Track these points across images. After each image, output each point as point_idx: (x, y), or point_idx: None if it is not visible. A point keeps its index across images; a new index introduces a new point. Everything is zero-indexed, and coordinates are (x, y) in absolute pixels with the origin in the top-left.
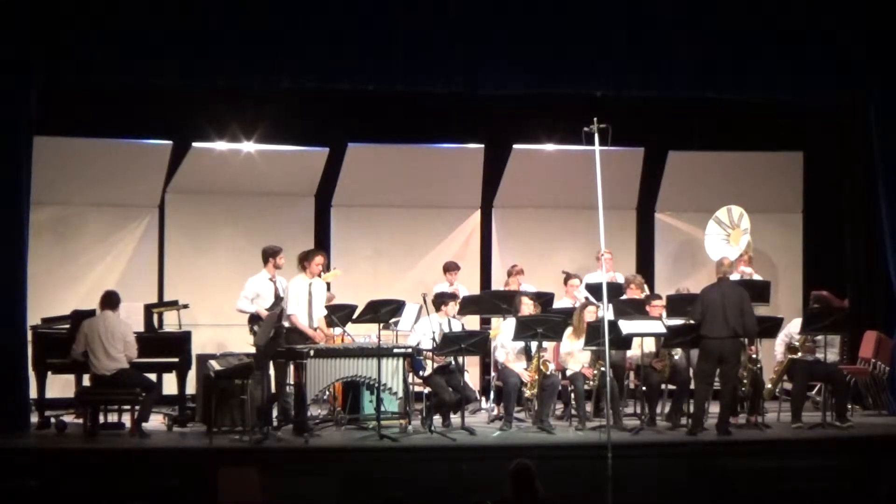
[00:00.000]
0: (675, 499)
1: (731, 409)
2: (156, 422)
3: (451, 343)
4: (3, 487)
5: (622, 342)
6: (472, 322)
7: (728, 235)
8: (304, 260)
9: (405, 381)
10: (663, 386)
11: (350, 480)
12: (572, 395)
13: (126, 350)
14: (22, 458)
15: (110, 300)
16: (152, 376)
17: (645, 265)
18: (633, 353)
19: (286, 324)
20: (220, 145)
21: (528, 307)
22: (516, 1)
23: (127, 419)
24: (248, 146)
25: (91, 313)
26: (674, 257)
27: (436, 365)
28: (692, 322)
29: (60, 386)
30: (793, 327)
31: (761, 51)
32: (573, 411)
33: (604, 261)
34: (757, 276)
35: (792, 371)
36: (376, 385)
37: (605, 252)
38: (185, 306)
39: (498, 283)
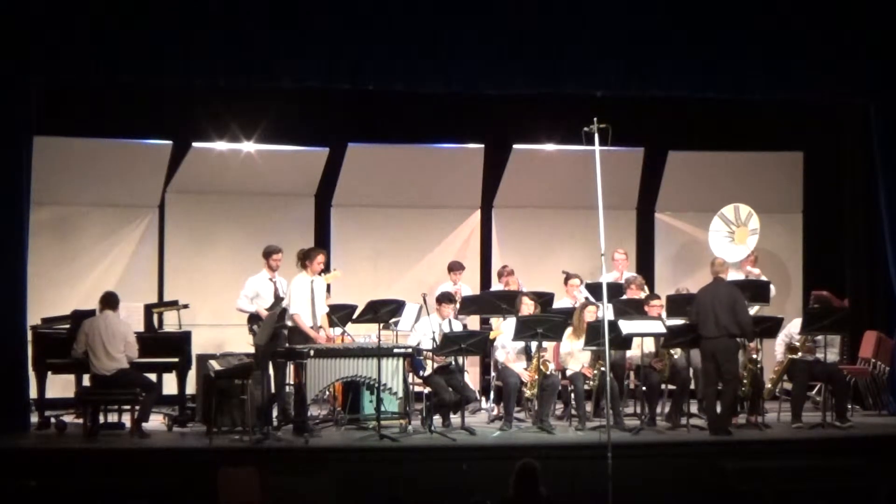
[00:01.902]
0: (675, 499)
1: (732, 410)
2: (156, 422)
3: (451, 343)
4: (3, 487)
5: (622, 342)
6: (472, 322)
7: (732, 233)
8: (304, 258)
9: (405, 381)
10: (663, 386)
11: (350, 480)
12: (572, 395)
13: (126, 350)
14: (22, 458)
15: (110, 301)
16: (152, 376)
17: (645, 265)
18: (633, 353)
19: (289, 323)
20: (220, 145)
21: (528, 307)
22: (516, 1)
23: (127, 419)
24: (248, 146)
25: (91, 313)
26: (674, 257)
27: (436, 365)
28: (690, 322)
29: (60, 386)
30: (793, 327)
31: (761, 51)
32: (573, 411)
33: (604, 261)
34: (763, 277)
35: (792, 371)
36: (376, 385)
37: (619, 252)
38: (185, 306)
39: (498, 284)
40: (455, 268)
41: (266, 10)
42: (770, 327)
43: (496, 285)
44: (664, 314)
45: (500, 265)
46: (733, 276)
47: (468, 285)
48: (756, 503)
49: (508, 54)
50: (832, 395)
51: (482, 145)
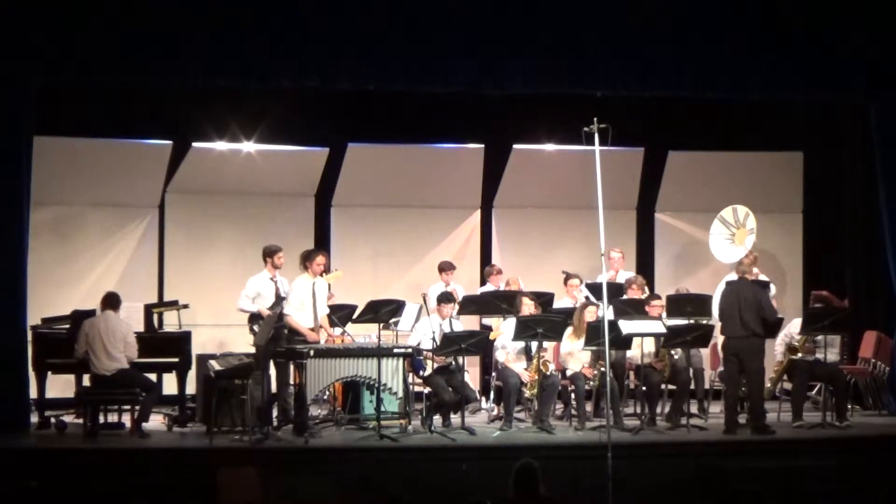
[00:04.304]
0: (675, 499)
1: (761, 410)
2: (156, 422)
3: (451, 343)
4: (3, 487)
5: (622, 342)
6: (472, 322)
7: (733, 235)
8: (305, 260)
9: (405, 381)
10: (663, 386)
11: (350, 480)
12: (572, 395)
13: (126, 350)
14: (22, 458)
15: (111, 301)
16: (152, 376)
17: (645, 265)
18: (633, 353)
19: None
20: (220, 145)
21: (528, 307)
22: (517, 1)
23: (127, 419)
24: (248, 146)
25: (91, 313)
26: (674, 257)
27: (436, 365)
28: (711, 322)
29: (60, 386)
30: (793, 327)
31: (761, 51)
32: (573, 411)
33: (604, 260)
34: (763, 277)
35: (792, 371)
36: (376, 385)
37: (615, 251)
38: (185, 306)
39: (487, 283)
40: (446, 268)
41: (265, 9)
42: (770, 327)
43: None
44: (664, 314)
45: (500, 265)
46: (732, 277)
47: (465, 285)
48: (756, 503)
49: (508, 54)
50: (832, 396)
51: (482, 145)
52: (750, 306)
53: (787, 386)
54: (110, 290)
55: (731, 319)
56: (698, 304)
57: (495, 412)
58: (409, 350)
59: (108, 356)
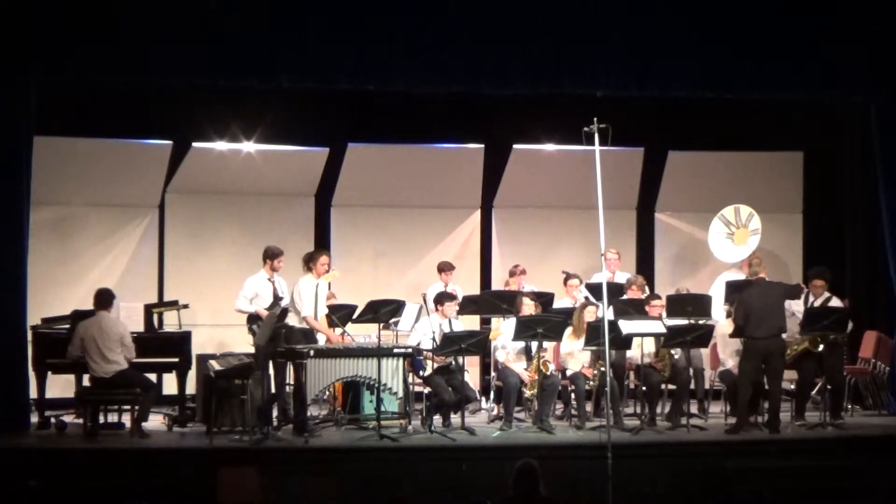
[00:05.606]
0: (675, 499)
1: (778, 408)
2: (156, 422)
3: (451, 343)
4: (3, 487)
5: (622, 342)
6: (472, 322)
7: (732, 234)
8: (309, 261)
9: (405, 381)
10: (663, 386)
11: (350, 480)
12: (572, 395)
13: (124, 352)
14: (22, 458)
15: (103, 299)
16: (152, 376)
17: (645, 265)
18: (633, 353)
19: (296, 325)
20: (220, 145)
21: (528, 307)
22: (517, 1)
23: (127, 419)
24: (248, 146)
25: (91, 313)
26: (674, 257)
27: (436, 365)
28: (735, 324)
29: (60, 386)
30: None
31: (762, 51)
32: (573, 411)
33: (603, 261)
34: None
35: (802, 363)
36: (376, 385)
37: (611, 252)
38: (185, 306)
39: (498, 283)
40: (445, 268)
41: (266, 9)
42: None
43: (501, 285)
44: (664, 314)
45: (499, 265)
46: (734, 276)
47: (467, 285)
48: (756, 503)
49: (508, 54)
50: (831, 395)
51: (482, 145)
52: (774, 303)
53: (786, 385)
54: (102, 286)
55: (758, 320)
56: (698, 304)
57: (495, 412)
58: (409, 350)
59: (105, 359)
